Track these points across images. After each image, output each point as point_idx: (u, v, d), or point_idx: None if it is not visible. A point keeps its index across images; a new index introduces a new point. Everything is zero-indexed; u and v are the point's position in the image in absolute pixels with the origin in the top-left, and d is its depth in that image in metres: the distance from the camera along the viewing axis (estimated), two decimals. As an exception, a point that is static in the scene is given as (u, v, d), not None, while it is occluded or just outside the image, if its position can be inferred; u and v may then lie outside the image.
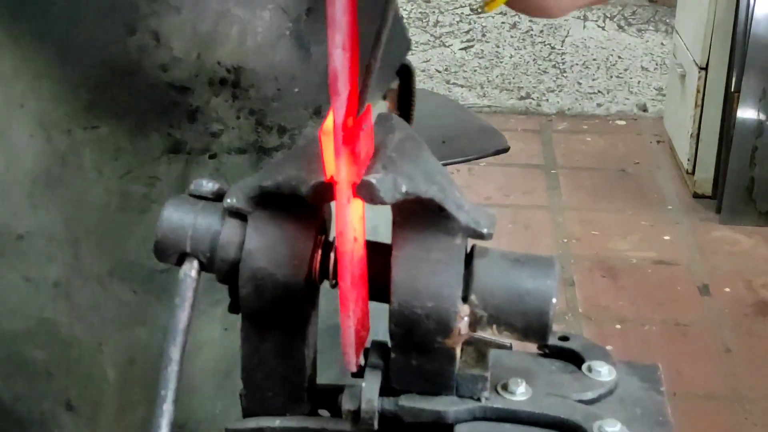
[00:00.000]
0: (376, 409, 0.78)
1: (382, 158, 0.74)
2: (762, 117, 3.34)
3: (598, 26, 5.06)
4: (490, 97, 4.32)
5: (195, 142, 0.99)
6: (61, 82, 0.95)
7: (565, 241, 3.28)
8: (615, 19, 5.14)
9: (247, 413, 0.85)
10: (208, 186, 0.80)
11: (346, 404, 0.79)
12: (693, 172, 3.60)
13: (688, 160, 3.61)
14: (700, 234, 3.36)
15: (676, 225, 3.42)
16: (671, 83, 3.92)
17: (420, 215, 0.75)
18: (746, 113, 3.34)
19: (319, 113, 1.01)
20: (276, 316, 0.79)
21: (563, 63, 4.65)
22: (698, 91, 3.52)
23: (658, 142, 3.98)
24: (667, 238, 3.33)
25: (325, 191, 0.73)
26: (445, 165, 2.17)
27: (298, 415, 0.83)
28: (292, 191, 0.75)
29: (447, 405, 0.78)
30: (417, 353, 0.78)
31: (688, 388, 2.50)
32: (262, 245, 0.77)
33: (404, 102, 1.22)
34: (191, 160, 1.00)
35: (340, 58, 0.66)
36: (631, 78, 4.52)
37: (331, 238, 0.82)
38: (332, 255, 0.79)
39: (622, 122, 4.18)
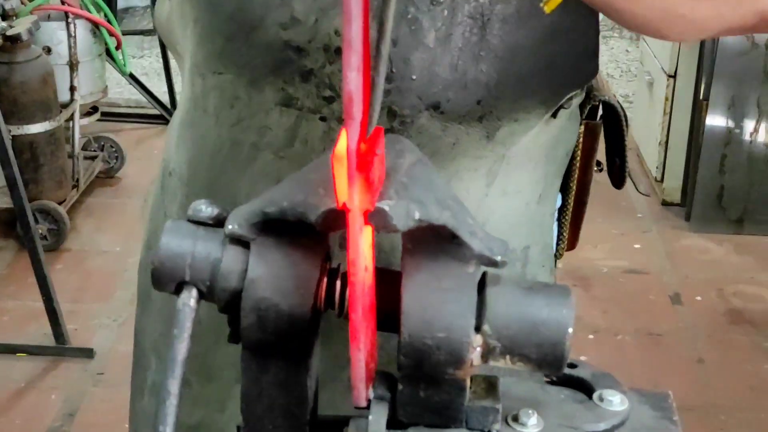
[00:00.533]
0: (383, 444, 0.76)
1: (393, 184, 0.71)
2: (731, 125, 3.34)
3: (564, 33, 5.06)
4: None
5: (306, 100, 1.01)
6: (204, 27, 1.02)
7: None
8: (580, 26, 5.14)
9: (246, 447, 0.81)
10: (207, 211, 0.77)
11: (352, 438, 0.76)
12: (662, 180, 3.60)
13: (657, 167, 3.60)
14: (670, 242, 3.36)
15: (646, 233, 3.42)
16: (638, 91, 3.92)
17: (432, 242, 0.72)
18: (715, 121, 3.34)
19: (437, 108, 0.98)
20: (279, 347, 0.76)
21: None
22: (667, 99, 3.52)
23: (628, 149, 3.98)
24: (637, 246, 3.33)
25: (336, 219, 0.70)
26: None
27: (299, 448, 0.80)
28: (299, 218, 0.71)
29: (457, 438, 0.76)
30: (426, 385, 0.75)
31: (662, 399, 2.49)
32: (266, 274, 0.74)
33: (613, 145, 1.20)
34: (302, 117, 1.02)
35: (355, 80, 0.62)
36: (597, 85, 4.52)
37: (334, 265, 0.79)
38: (338, 283, 0.76)
39: (590, 129, 4.18)
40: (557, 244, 1.23)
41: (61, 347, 2.70)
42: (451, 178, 1.05)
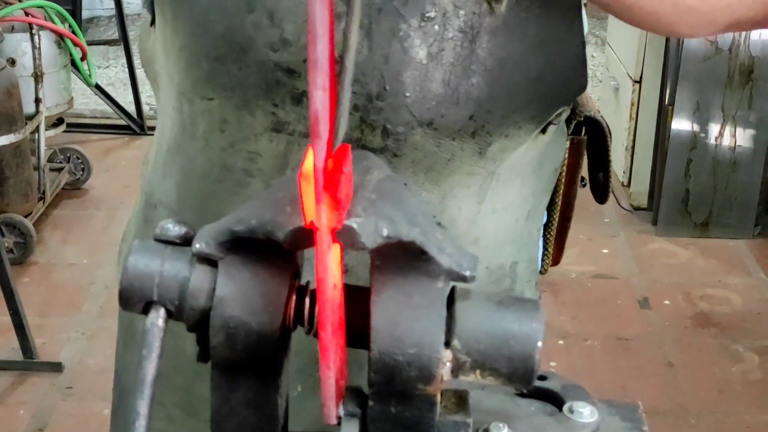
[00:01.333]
0: (354, 461, 0.75)
1: (361, 201, 0.70)
2: (696, 129, 3.37)
3: (529, 39, 5.07)
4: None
5: (298, 124, 1.00)
6: (192, 52, 1.01)
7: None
8: (545, 32, 5.16)
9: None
10: (174, 230, 0.76)
11: (324, 455, 0.76)
12: (629, 185, 3.62)
13: (624, 172, 3.63)
14: (637, 246, 3.38)
15: (614, 238, 3.43)
16: (604, 96, 3.94)
17: (400, 259, 0.72)
18: (680, 125, 3.37)
19: (431, 124, 0.98)
20: (248, 365, 0.75)
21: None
22: (632, 104, 3.54)
23: (592, 154, 4.00)
24: (605, 251, 3.35)
25: (304, 237, 0.70)
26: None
27: (270, 467, 0.80)
28: (267, 236, 0.71)
29: (429, 454, 0.76)
30: (396, 401, 0.75)
31: (632, 403, 2.50)
32: (235, 292, 0.73)
33: (597, 162, 1.20)
34: (293, 141, 1.01)
35: (321, 99, 0.62)
36: (563, 90, 4.54)
37: (303, 282, 0.79)
38: (307, 300, 0.76)
39: (556, 135, 4.20)
40: (542, 260, 1.24)
41: (29, 361, 2.68)
42: (445, 196, 1.05)
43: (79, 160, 3.65)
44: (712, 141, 3.40)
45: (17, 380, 2.65)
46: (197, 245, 0.74)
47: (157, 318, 0.75)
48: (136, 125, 4.09)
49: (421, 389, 0.73)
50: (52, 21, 3.39)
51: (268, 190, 0.75)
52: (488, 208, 1.08)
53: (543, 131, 1.06)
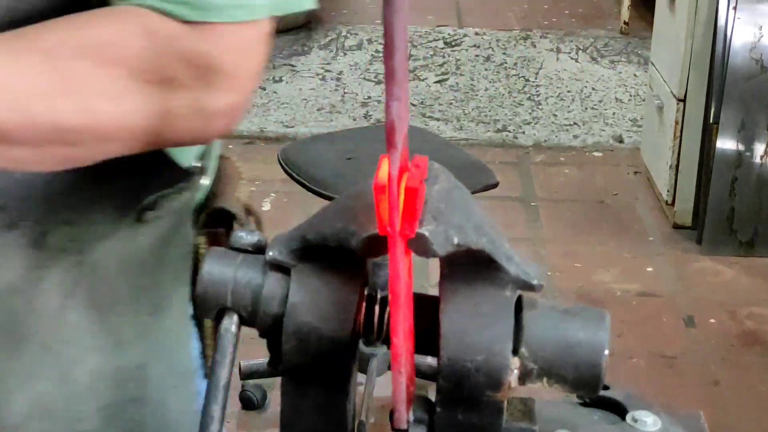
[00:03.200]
0: (421, 466, 0.77)
1: (431, 209, 0.72)
2: (741, 148, 3.36)
3: (571, 58, 5.09)
4: (467, 130, 4.32)
5: None
6: None
7: (549, 273, 3.28)
8: (588, 51, 5.18)
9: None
10: (248, 238, 0.79)
11: (392, 461, 0.78)
12: (673, 203, 3.61)
13: (668, 191, 3.62)
14: (682, 265, 3.37)
15: (658, 256, 3.43)
16: (648, 115, 3.94)
17: (469, 267, 0.74)
18: (725, 144, 3.36)
19: None
20: (319, 372, 0.77)
21: (538, 95, 4.67)
22: (677, 123, 3.53)
23: (635, 173, 4.00)
24: (649, 269, 3.34)
25: (377, 244, 0.71)
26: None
27: (338, 472, 0.82)
28: (340, 244, 0.73)
29: (495, 460, 0.77)
30: (464, 407, 0.76)
31: (678, 422, 2.49)
32: (307, 299, 0.75)
33: None
34: None
35: (397, 110, 0.64)
36: (605, 109, 4.54)
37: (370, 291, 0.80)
38: (377, 308, 0.78)
39: (599, 153, 4.20)
40: None
41: None
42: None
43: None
44: (758, 159, 3.39)
45: None
46: (270, 253, 0.76)
47: (231, 324, 0.76)
48: (181, 143, 4.15)
49: (489, 396, 0.75)
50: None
51: (340, 199, 0.77)
52: (81, 302, 1.00)
53: (139, 220, 0.99)
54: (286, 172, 2.39)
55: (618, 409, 0.84)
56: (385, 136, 0.65)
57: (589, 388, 0.75)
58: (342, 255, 0.74)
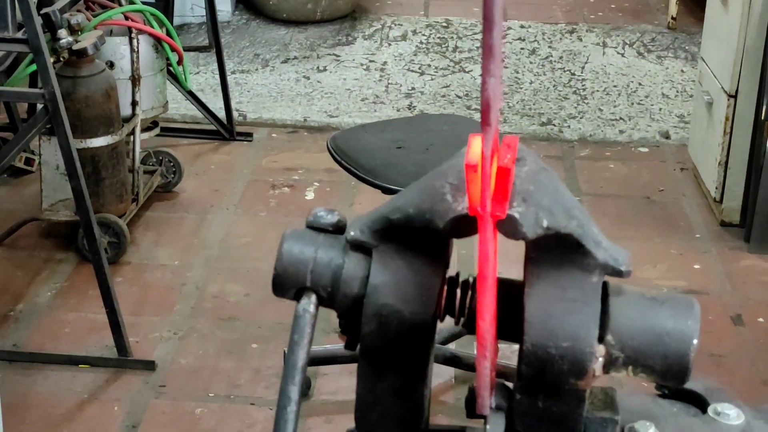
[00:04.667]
0: (501, 454, 0.75)
1: (521, 191, 0.71)
2: (792, 145, 3.32)
3: (618, 53, 5.04)
4: (511, 123, 4.29)
5: None
6: None
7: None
8: (634, 46, 5.13)
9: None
10: (327, 218, 0.77)
11: (470, 448, 0.76)
12: (721, 200, 3.57)
13: (716, 188, 3.58)
14: (729, 263, 3.33)
15: (705, 254, 3.39)
16: (696, 111, 3.89)
17: (556, 251, 0.72)
18: (776, 142, 3.32)
19: None
20: (398, 355, 0.76)
21: (584, 89, 4.63)
22: (727, 119, 3.49)
23: (682, 169, 3.95)
24: (696, 266, 3.30)
25: (465, 225, 0.70)
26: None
27: (413, 457, 0.80)
28: (426, 224, 0.72)
29: (576, 449, 0.75)
30: (545, 395, 0.74)
31: (726, 420, 2.45)
32: (389, 281, 0.74)
33: None
34: None
35: (493, 87, 0.62)
36: (652, 105, 4.50)
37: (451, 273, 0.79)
38: (458, 291, 0.76)
39: (645, 149, 4.16)
40: None
41: (123, 359, 2.71)
42: None
43: (171, 164, 3.70)
44: (810, 158, 3.34)
45: (112, 377, 2.68)
46: (351, 233, 0.75)
47: (309, 304, 0.75)
48: (225, 131, 4.13)
49: (572, 384, 0.73)
50: (151, 25, 3.44)
51: (424, 179, 0.75)
52: None
53: None
54: (335, 160, 2.37)
55: (698, 402, 0.82)
56: (480, 114, 0.63)
57: (677, 379, 0.73)
58: (425, 236, 0.73)
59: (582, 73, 4.81)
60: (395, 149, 2.33)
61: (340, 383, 2.59)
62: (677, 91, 4.66)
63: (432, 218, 0.71)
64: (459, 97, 4.48)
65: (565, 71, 4.83)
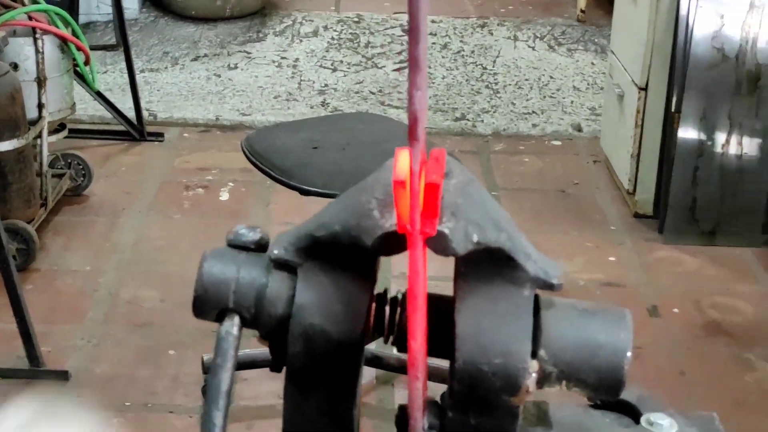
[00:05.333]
0: (433, 474, 0.73)
1: (449, 205, 0.68)
2: (703, 137, 3.35)
3: (529, 46, 5.07)
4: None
5: None
6: None
7: (511, 263, 3.26)
8: (545, 40, 5.16)
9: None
10: (249, 235, 0.74)
11: (403, 469, 0.74)
12: (634, 192, 3.60)
13: (629, 180, 3.61)
14: (644, 254, 3.36)
15: (620, 246, 3.42)
16: (607, 103, 3.93)
17: (486, 265, 0.70)
18: (687, 133, 3.35)
19: None
20: (325, 375, 0.73)
21: (496, 83, 4.64)
22: (638, 112, 3.52)
23: (595, 161, 3.99)
24: (612, 259, 3.33)
25: (395, 242, 0.68)
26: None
27: (343, 479, 0.78)
28: (353, 241, 0.69)
29: (510, 467, 0.73)
30: (478, 412, 0.73)
31: (645, 412, 2.47)
32: (315, 300, 0.71)
33: None
34: None
35: (420, 100, 0.60)
36: (564, 98, 4.53)
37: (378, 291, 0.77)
38: (387, 309, 0.74)
39: (558, 142, 4.18)
40: None
41: (35, 369, 2.64)
42: None
43: (80, 166, 3.62)
44: (719, 149, 3.39)
45: (24, 389, 2.61)
46: (275, 251, 0.72)
47: (232, 326, 0.72)
48: (135, 131, 4.05)
49: (505, 400, 0.71)
50: (56, 25, 3.35)
51: (349, 193, 0.73)
52: None
53: None
54: (250, 161, 2.34)
55: (630, 412, 0.81)
56: (408, 128, 0.61)
57: (611, 392, 0.72)
58: (352, 253, 0.70)
59: (494, 67, 4.83)
60: (311, 149, 2.31)
61: (261, 388, 2.55)
62: (588, 84, 4.70)
63: (359, 235, 0.68)
64: (373, 93, 4.46)
65: (477, 65, 4.84)
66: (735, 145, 3.39)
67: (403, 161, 0.63)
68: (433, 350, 0.73)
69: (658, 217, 3.56)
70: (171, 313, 2.91)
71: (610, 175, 3.86)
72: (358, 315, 0.71)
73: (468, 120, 4.33)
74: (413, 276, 0.64)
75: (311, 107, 4.34)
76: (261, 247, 0.74)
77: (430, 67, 4.77)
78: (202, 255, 0.73)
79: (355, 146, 2.33)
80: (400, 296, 0.73)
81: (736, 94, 3.34)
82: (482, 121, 4.33)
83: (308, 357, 0.71)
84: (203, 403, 0.70)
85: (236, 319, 0.72)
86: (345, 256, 0.70)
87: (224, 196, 3.67)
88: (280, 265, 0.72)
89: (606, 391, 0.71)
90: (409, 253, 0.64)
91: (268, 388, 2.55)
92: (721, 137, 3.38)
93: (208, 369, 2.44)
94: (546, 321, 0.71)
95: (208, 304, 0.72)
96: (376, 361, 2.49)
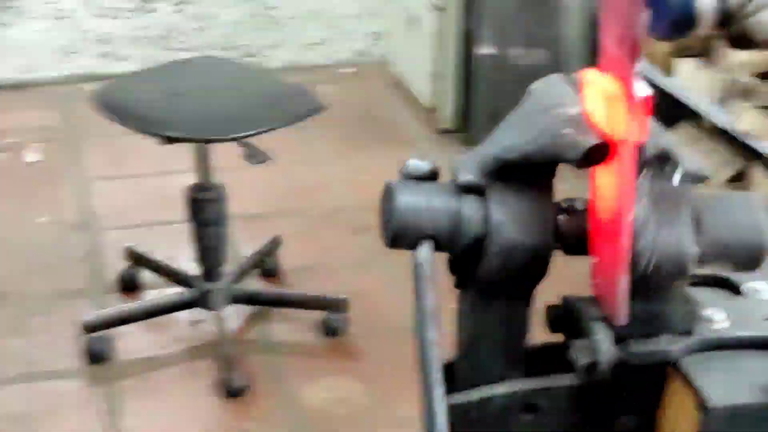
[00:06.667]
0: (612, 360, 0.81)
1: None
2: (500, 50, 3.52)
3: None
4: (213, 58, 4.27)
5: None
6: None
7: (344, 189, 3.34)
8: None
9: (461, 385, 0.84)
10: (423, 166, 0.80)
11: (582, 359, 0.82)
12: (435, 110, 3.74)
13: (430, 98, 3.74)
14: (458, 168, 3.50)
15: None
16: (398, 26, 4.03)
17: (654, 166, 0.79)
18: (484, 50, 3.52)
19: None
20: (516, 285, 0.80)
21: (279, 17, 4.66)
22: (435, 32, 3.65)
23: (389, 84, 4.10)
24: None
25: (597, 154, 0.75)
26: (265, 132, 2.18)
27: (514, 379, 0.85)
28: (552, 158, 0.76)
29: (670, 343, 0.83)
30: (642, 298, 0.81)
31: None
32: (509, 217, 0.78)
33: None
34: None
35: (635, 22, 0.68)
36: (346, 26, 4.60)
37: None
38: (561, 217, 0.81)
39: (350, 69, 4.27)
40: None
41: None
42: None
43: None
44: (516, 60, 3.57)
45: None
46: (463, 177, 0.78)
47: (427, 252, 0.78)
48: None
49: (672, 284, 0.81)
50: None
51: (515, 118, 0.79)
52: None
53: None
54: (106, 116, 2.29)
55: (728, 284, 0.92)
56: (628, 49, 0.68)
57: (754, 264, 0.82)
58: (536, 170, 0.77)
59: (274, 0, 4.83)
60: (174, 96, 2.29)
61: (141, 341, 2.53)
62: (368, 11, 4.78)
63: (559, 152, 0.75)
64: (162, 38, 4.39)
65: (257, 1, 4.83)
66: (530, 54, 3.58)
67: (597, 80, 0.70)
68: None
69: (461, 131, 3.72)
70: (22, 281, 2.82)
71: (407, 96, 3.98)
72: (547, 226, 0.78)
73: (256, 56, 4.34)
74: (624, 182, 0.72)
75: (98, 57, 4.23)
76: (433, 175, 0.79)
77: (211, 7, 4.73)
78: (385, 188, 0.78)
79: (220, 90, 2.34)
80: (577, 206, 0.80)
81: (527, 9, 3.53)
82: (270, 55, 4.35)
83: (505, 270, 0.78)
84: (416, 324, 0.76)
85: (430, 245, 0.78)
86: (530, 174, 0.77)
87: (31, 157, 3.55)
88: (467, 189, 0.77)
89: (751, 264, 0.82)
90: (618, 160, 0.71)
91: (147, 340, 2.53)
92: (516, 49, 3.57)
93: (90, 328, 2.37)
94: (702, 210, 0.80)
95: (409, 234, 0.77)
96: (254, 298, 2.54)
